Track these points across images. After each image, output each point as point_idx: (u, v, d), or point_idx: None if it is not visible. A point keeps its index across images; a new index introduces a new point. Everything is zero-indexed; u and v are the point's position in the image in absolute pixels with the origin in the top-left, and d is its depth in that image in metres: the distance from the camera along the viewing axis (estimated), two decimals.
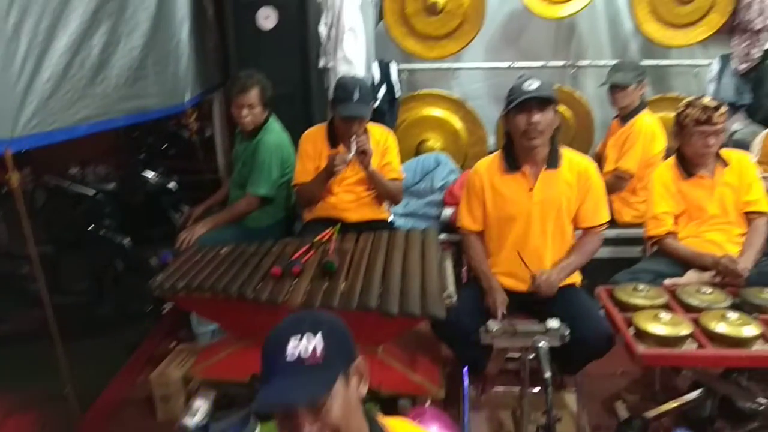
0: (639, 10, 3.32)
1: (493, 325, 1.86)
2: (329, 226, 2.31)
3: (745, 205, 2.36)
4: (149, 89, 2.63)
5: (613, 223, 2.96)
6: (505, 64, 3.57)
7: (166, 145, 4.08)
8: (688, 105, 2.33)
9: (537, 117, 1.95)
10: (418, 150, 3.54)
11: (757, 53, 3.24)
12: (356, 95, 2.37)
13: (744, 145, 3.27)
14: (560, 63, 3.60)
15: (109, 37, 2.30)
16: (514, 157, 2.10)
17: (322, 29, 3.05)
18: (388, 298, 1.81)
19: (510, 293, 2.10)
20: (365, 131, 2.49)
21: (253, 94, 2.57)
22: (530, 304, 2.10)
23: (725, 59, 3.38)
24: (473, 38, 3.39)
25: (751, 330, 1.80)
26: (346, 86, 2.43)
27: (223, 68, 3.31)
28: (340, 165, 2.33)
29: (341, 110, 2.38)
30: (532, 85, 1.95)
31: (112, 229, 3.05)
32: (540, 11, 3.31)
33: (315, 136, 2.57)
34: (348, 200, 2.55)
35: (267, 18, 2.94)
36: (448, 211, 2.99)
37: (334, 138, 2.50)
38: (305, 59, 3.04)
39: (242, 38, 2.99)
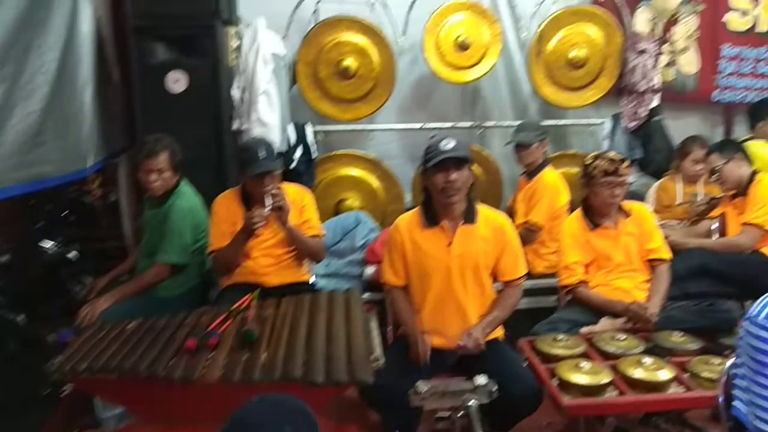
0: (536, 75, 3.57)
1: (422, 386, 1.82)
2: (248, 292, 2.21)
3: (647, 252, 2.52)
4: (48, 155, 2.46)
5: (528, 274, 3.09)
6: (418, 125, 3.69)
7: (66, 212, 3.80)
8: (597, 157, 2.49)
9: (454, 175, 2.01)
10: (337, 209, 3.53)
11: (643, 112, 3.56)
12: (262, 153, 2.33)
13: (639, 196, 3.53)
14: (468, 124, 3.77)
15: (3, 102, 2.16)
16: (432, 213, 2.14)
17: (235, 92, 3.03)
18: (313, 366, 1.73)
19: (436, 351, 2.08)
20: (280, 189, 2.46)
21: (162, 159, 2.47)
22: (457, 361, 2.09)
23: (616, 118, 3.69)
24: (386, 101, 3.50)
25: (665, 374, 1.88)
26: (250, 148, 2.41)
27: (130, 132, 3.18)
28: (258, 221, 2.24)
29: (251, 170, 2.32)
30: (449, 144, 2.02)
31: (4, 305, 2.76)
32: (446, 76, 3.48)
33: (228, 200, 2.49)
34: (267, 264, 2.46)
35: (177, 81, 2.87)
36: (370, 270, 2.97)
37: (249, 201, 2.41)
38: (218, 122, 2.98)
39: (150, 102, 2.89)
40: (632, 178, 3.72)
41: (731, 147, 2.91)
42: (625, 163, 2.50)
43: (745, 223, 2.76)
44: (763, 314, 1.23)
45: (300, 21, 3.43)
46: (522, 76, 3.81)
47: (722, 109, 4.08)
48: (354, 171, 3.59)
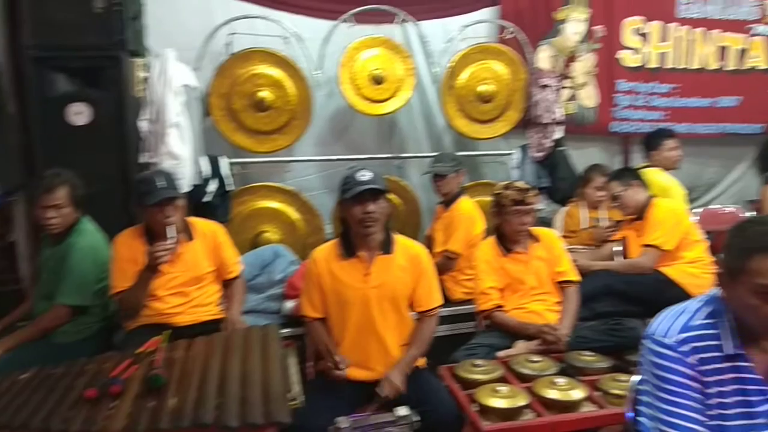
0: (449, 108, 3.70)
1: (343, 422, 1.79)
2: (156, 334, 2.08)
3: (557, 275, 2.63)
4: None
5: (446, 301, 3.13)
6: (336, 157, 3.70)
7: None
8: (506, 187, 2.60)
9: (372, 206, 2.02)
10: (255, 243, 3.44)
11: (548, 143, 3.76)
12: (161, 182, 2.24)
13: (547, 223, 3.71)
14: (385, 155, 3.83)
15: None
16: (350, 244, 2.14)
17: (144, 124, 2.91)
18: (227, 409, 1.64)
19: (357, 384, 2.05)
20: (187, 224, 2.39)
21: (61, 194, 2.31)
22: (379, 393, 2.06)
23: (524, 149, 3.87)
24: (303, 133, 3.49)
25: (578, 393, 1.95)
26: (147, 178, 2.30)
27: (28, 168, 2.97)
28: (162, 255, 2.12)
29: (149, 200, 2.20)
30: (366, 176, 2.04)
31: None
32: (363, 109, 3.53)
33: (130, 237, 2.34)
34: (176, 303, 2.33)
35: (79, 114, 2.73)
36: (289, 304, 2.90)
37: (152, 237, 2.27)
38: (124, 155, 2.85)
39: (50, 135, 2.73)
40: (541, 205, 3.90)
41: (628, 175, 3.13)
42: (533, 192, 2.63)
43: (644, 245, 2.95)
44: (660, 331, 1.31)
45: (212, 53, 3.37)
46: (436, 109, 3.94)
47: (620, 139, 4.38)
48: (272, 203, 3.53)
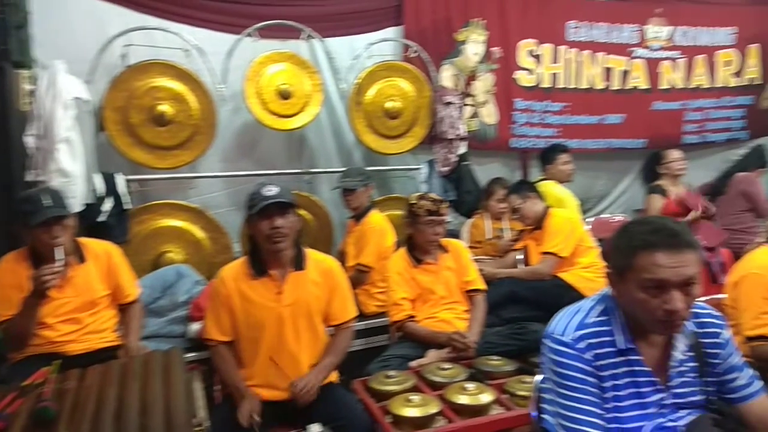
0: (357, 124, 3.73)
1: None
2: (45, 365, 1.91)
3: (465, 284, 2.71)
4: None
5: (360, 315, 3.13)
6: (243, 173, 3.61)
7: None
8: (421, 198, 2.67)
9: (279, 221, 1.98)
10: (157, 264, 3.26)
11: (453, 158, 3.88)
12: (47, 201, 2.08)
13: (455, 234, 3.82)
14: (295, 171, 3.79)
15: None
16: (260, 262, 2.07)
17: (30, 140, 2.70)
18: None
19: (269, 404, 1.99)
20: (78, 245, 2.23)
21: None
22: (291, 412, 2.01)
23: (431, 164, 3.97)
24: (207, 148, 3.37)
25: (486, 397, 2.00)
26: (30, 198, 2.13)
27: None
28: (49, 278, 1.94)
29: (33, 220, 2.04)
30: (272, 190, 1.99)
31: None
32: (270, 124, 3.48)
33: (13, 262, 2.15)
34: (68, 331, 2.15)
35: None
36: (195, 327, 2.76)
37: (39, 260, 2.09)
38: (8, 173, 2.63)
39: None
40: (449, 218, 4.02)
41: (525, 187, 3.30)
42: (445, 203, 2.72)
43: (543, 253, 3.11)
44: (558, 330, 1.37)
45: (106, 65, 3.19)
46: (345, 125, 3.96)
47: (519, 154, 4.61)
48: (175, 222, 3.37)
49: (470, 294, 2.71)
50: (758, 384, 1.42)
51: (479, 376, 2.24)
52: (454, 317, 2.63)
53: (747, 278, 1.85)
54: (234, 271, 2.10)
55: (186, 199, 3.50)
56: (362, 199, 3.27)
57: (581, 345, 1.32)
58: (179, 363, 2.03)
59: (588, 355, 1.31)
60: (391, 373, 2.19)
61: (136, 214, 3.26)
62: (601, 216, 4.54)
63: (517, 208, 3.25)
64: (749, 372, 1.42)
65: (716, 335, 1.40)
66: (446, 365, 2.27)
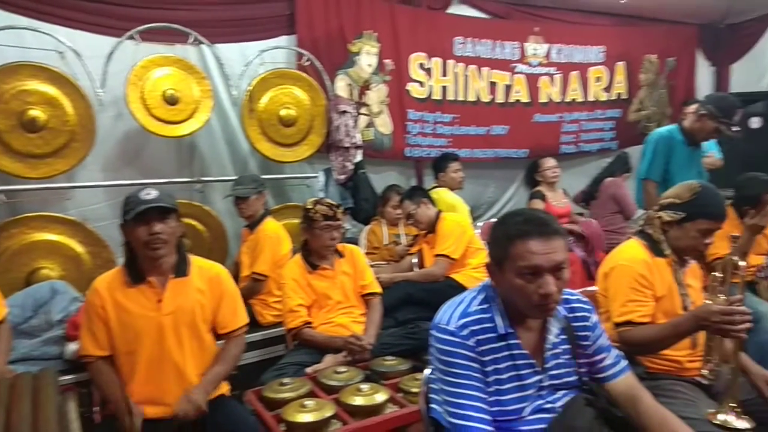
0: (251, 132, 3.66)
1: None
2: None
3: (361, 288, 2.73)
4: None
5: (256, 325, 3.07)
6: (128, 182, 3.42)
7: None
8: (317, 203, 2.66)
9: (159, 227, 1.87)
10: (30, 281, 2.99)
11: (350, 165, 3.92)
12: None
13: (354, 241, 3.86)
14: (185, 179, 3.65)
15: None
16: (138, 269, 1.95)
17: None
18: None
19: (153, 422, 1.87)
20: None
21: None
22: (178, 429, 1.91)
23: (328, 172, 3.98)
24: (85, 156, 3.15)
25: (381, 396, 2.03)
26: None
27: None
28: None
29: None
30: (150, 194, 1.89)
31: None
32: (156, 130, 3.32)
33: None
34: None
35: None
36: (72, 347, 2.54)
37: None
38: None
39: None
40: (347, 225, 4.06)
41: (418, 193, 3.41)
42: (341, 209, 2.73)
43: (436, 255, 3.22)
44: (443, 320, 1.43)
45: None
46: (239, 133, 3.88)
47: (414, 163, 4.77)
48: (50, 235, 3.10)
49: (366, 298, 2.74)
50: (623, 363, 1.55)
51: (375, 377, 2.26)
52: (351, 321, 2.64)
53: (616, 269, 1.99)
54: (108, 280, 1.97)
55: (63, 212, 3.25)
56: (256, 206, 3.21)
57: (464, 332, 1.38)
58: (51, 385, 1.86)
59: (471, 342, 1.37)
60: (286, 380, 2.16)
61: (4, 227, 2.98)
62: (490, 220, 4.77)
63: (411, 214, 3.34)
64: (615, 352, 1.55)
65: (586, 319, 1.51)
66: (342, 369, 2.28)
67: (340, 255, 2.74)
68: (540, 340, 1.46)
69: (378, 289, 2.78)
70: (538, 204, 4.42)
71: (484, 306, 1.43)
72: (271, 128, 3.71)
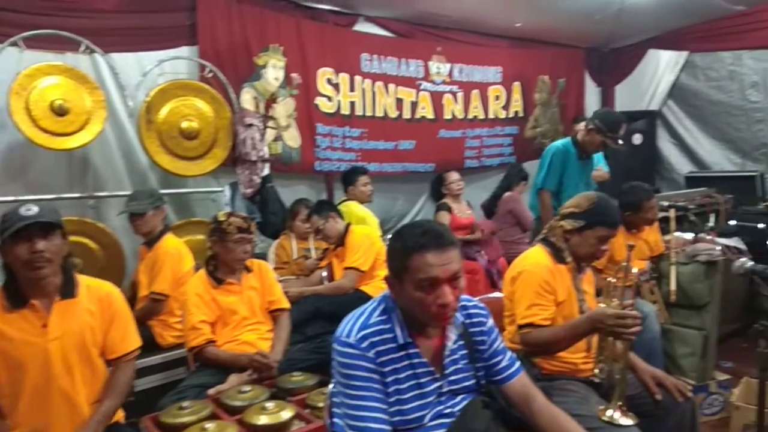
0: (149, 144, 3.50)
1: None
2: None
3: (269, 304, 2.68)
4: None
5: (157, 348, 2.92)
6: (12, 198, 3.15)
7: None
8: (230, 215, 2.59)
9: (41, 244, 1.73)
10: None
11: (257, 179, 3.84)
12: None
13: (263, 257, 3.79)
14: (77, 195, 3.42)
15: None
16: (18, 292, 1.79)
17: None
18: None
19: None
20: None
21: None
22: None
23: (234, 186, 3.88)
24: None
25: (287, 413, 1.99)
26: None
27: None
28: None
29: None
30: (31, 210, 1.75)
31: None
32: (43, 142, 3.10)
33: None
34: None
35: None
36: None
37: None
38: None
39: None
40: (255, 239, 3.97)
41: (326, 207, 3.41)
42: (254, 222, 2.69)
43: (345, 268, 3.23)
44: (344, 333, 1.43)
45: None
46: (137, 146, 3.70)
47: (324, 176, 4.77)
48: None
49: (274, 314, 2.69)
50: (517, 364, 1.62)
51: (281, 394, 2.22)
52: (258, 338, 2.58)
53: (522, 274, 2.08)
54: None
55: None
56: (154, 223, 3.05)
57: (364, 344, 1.39)
58: None
59: (371, 354, 1.39)
60: (186, 404, 2.06)
61: None
62: None
63: (320, 229, 3.33)
64: (509, 354, 1.62)
65: (482, 324, 1.57)
66: (247, 388, 2.21)
67: (248, 270, 2.67)
68: (439, 348, 1.50)
69: (286, 304, 2.73)
70: (444, 216, 4.58)
71: (384, 317, 1.45)
72: (172, 141, 3.56)
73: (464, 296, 1.56)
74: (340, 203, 4.16)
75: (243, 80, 4.11)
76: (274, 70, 4.26)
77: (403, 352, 1.43)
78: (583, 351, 2.07)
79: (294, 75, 4.37)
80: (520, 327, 2.04)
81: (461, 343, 1.53)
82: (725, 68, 5.44)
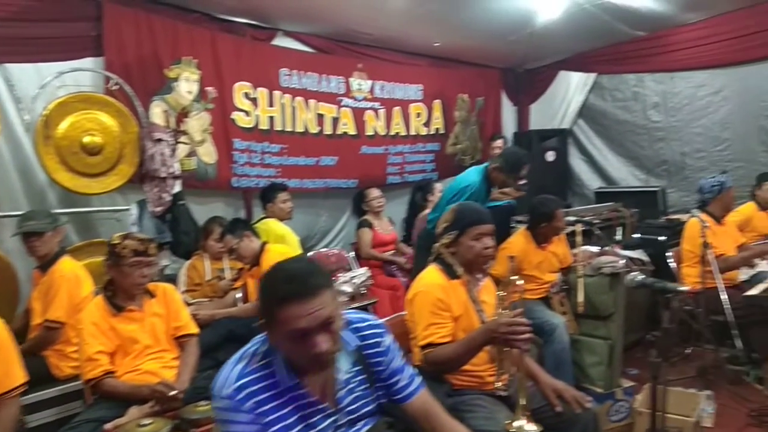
0: (48, 161, 3.26)
1: None
2: None
3: (175, 330, 2.54)
4: None
5: (53, 380, 2.71)
6: None
7: None
8: (125, 237, 2.42)
9: None
10: None
11: (167, 197, 3.66)
12: None
13: (173, 279, 3.62)
14: None
15: None
16: None
17: None
18: None
19: None
20: None
21: None
22: None
23: (142, 204, 3.69)
24: None
25: None
26: None
27: None
28: None
29: None
30: None
31: None
32: None
33: None
34: None
35: None
36: None
37: None
38: None
39: None
40: (165, 261, 3.80)
41: (240, 226, 3.31)
42: (153, 243, 2.52)
43: None
44: (219, 385, 1.34)
45: None
46: (34, 162, 3.45)
47: (242, 193, 4.64)
48: None
49: (181, 340, 2.56)
50: (418, 381, 1.59)
51: (185, 426, 2.10)
52: (161, 367, 2.43)
53: (417, 296, 2.11)
54: None
55: None
56: (51, 244, 2.85)
57: (240, 396, 1.30)
58: None
59: (248, 405, 1.30)
60: None
61: None
62: (320, 250, 4.80)
63: (234, 248, 3.22)
64: (409, 372, 1.58)
65: (378, 344, 1.52)
66: (147, 421, 2.07)
67: (150, 295, 2.53)
68: (330, 382, 1.42)
69: (194, 329, 2.61)
70: (366, 232, 4.58)
71: (266, 360, 1.36)
72: (73, 157, 3.34)
73: (357, 317, 1.52)
74: (258, 221, 4.06)
75: (153, 93, 3.95)
76: (187, 83, 4.12)
77: (289, 395, 1.35)
78: (487, 362, 2.11)
79: (209, 89, 4.24)
80: (422, 348, 2.05)
81: (357, 368, 1.48)
82: (629, 89, 5.80)
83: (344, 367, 1.44)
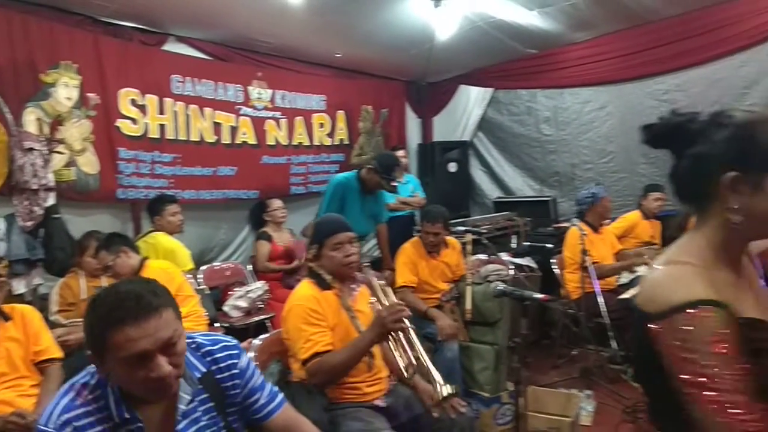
0: None
1: None
2: None
3: (35, 355, 2.35)
4: None
5: None
6: None
7: None
8: None
9: None
10: None
11: (39, 210, 3.40)
12: None
13: (45, 298, 3.35)
14: None
15: None
16: None
17: None
18: None
19: None
20: None
21: None
22: None
23: (11, 218, 3.39)
24: None
25: None
26: None
27: None
28: None
29: None
30: None
31: None
32: None
33: None
34: None
35: None
36: None
37: None
38: None
39: None
40: (38, 279, 3.52)
41: (117, 242, 3.09)
42: (5, 263, 2.31)
43: None
44: (43, 418, 1.22)
45: None
46: None
47: (130, 206, 4.38)
48: None
49: (42, 365, 2.36)
50: (279, 397, 1.51)
51: None
52: (18, 396, 2.24)
53: (291, 311, 2.08)
54: None
55: None
56: None
57: (68, 430, 1.20)
58: None
59: None
60: None
61: None
62: (214, 264, 4.63)
63: (109, 265, 3.02)
64: (269, 389, 1.50)
65: (232, 366, 1.42)
66: None
67: (6, 318, 2.31)
68: (170, 413, 1.32)
69: (57, 353, 2.41)
70: (263, 245, 4.46)
71: (96, 392, 1.25)
72: None
73: (209, 339, 1.43)
74: (145, 234, 3.85)
75: (26, 99, 3.65)
76: (66, 89, 3.85)
77: (123, 429, 1.25)
78: (365, 372, 2.12)
79: (91, 95, 3.98)
80: (306, 361, 2.01)
81: (203, 396, 1.37)
82: (524, 104, 6.08)
83: (187, 395, 1.33)
